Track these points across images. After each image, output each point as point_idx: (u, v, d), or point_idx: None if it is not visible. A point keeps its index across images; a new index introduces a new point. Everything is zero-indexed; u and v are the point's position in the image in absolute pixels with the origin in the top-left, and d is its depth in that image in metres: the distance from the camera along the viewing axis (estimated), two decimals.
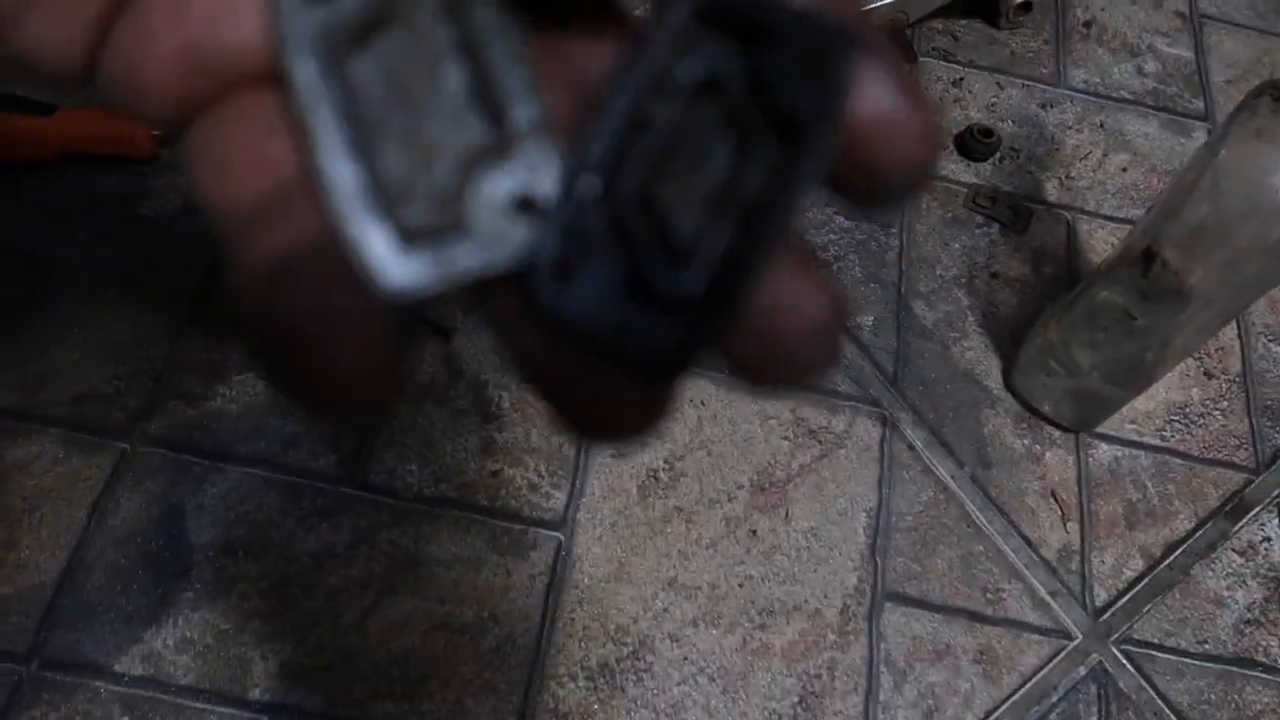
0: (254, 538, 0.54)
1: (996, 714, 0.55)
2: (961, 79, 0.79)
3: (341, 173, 0.16)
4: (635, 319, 0.16)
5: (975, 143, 0.75)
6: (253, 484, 0.55)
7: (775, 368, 0.17)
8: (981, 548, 0.60)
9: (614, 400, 0.17)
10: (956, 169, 0.75)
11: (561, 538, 0.57)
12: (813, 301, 0.16)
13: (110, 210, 0.62)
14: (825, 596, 0.57)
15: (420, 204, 0.16)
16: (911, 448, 0.63)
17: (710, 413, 0.62)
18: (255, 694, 0.50)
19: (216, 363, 0.59)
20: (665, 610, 0.56)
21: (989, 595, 0.59)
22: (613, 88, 0.16)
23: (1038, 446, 0.64)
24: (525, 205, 0.17)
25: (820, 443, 0.62)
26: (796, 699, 0.54)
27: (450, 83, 0.17)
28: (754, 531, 0.59)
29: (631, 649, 0.54)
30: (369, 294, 0.16)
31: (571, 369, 0.17)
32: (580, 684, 0.53)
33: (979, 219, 0.73)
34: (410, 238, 0.16)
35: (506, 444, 0.59)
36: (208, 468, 0.55)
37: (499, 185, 0.17)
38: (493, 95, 0.17)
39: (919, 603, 0.58)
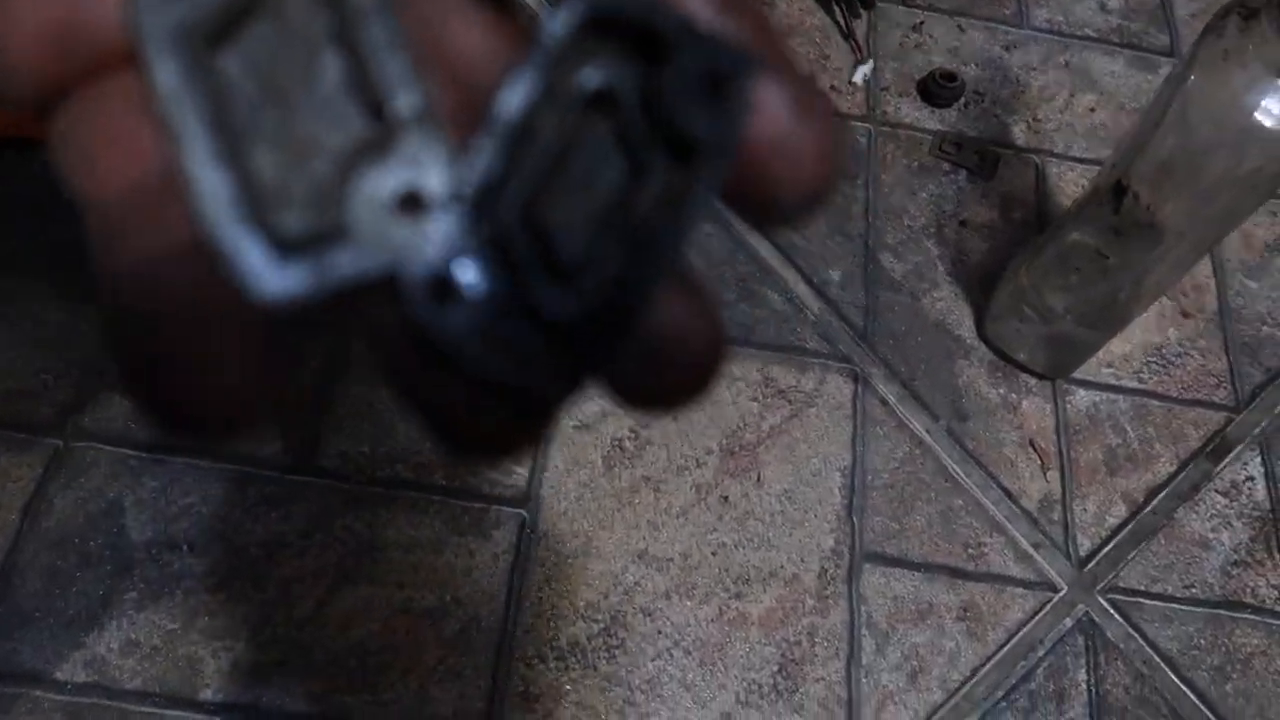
0: (198, 531, 0.51)
1: (983, 671, 0.54)
2: (921, 23, 0.77)
3: (212, 179, 0.15)
4: (514, 343, 0.15)
5: (938, 88, 0.72)
6: (195, 475, 0.53)
7: (650, 395, 0.16)
8: (961, 502, 0.58)
9: (488, 424, 0.16)
10: (920, 116, 0.72)
11: (525, 514, 0.54)
12: (696, 332, 0.16)
13: (32, 196, 0.59)
14: (802, 561, 0.55)
15: (297, 208, 0.15)
16: (884, 403, 0.61)
17: None
18: (207, 694, 0.48)
19: None
20: (636, 584, 0.53)
21: (970, 551, 0.57)
22: (500, 92, 0.16)
23: (1014, 395, 0.62)
24: (409, 202, 0.16)
25: (790, 402, 0.60)
26: (776, 668, 0.52)
27: (326, 75, 0.16)
28: (725, 497, 0.56)
29: (603, 625, 0.52)
30: (243, 302, 0.15)
31: (444, 387, 0.16)
32: (550, 664, 0.51)
33: (945, 166, 0.70)
34: (287, 245, 0.15)
35: None
36: (146, 460, 0.53)
37: (381, 182, 0.16)
38: (371, 85, 0.16)
39: (899, 562, 0.56)
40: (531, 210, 0.16)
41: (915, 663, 0.54)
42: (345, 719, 0.48)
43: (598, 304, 0.16)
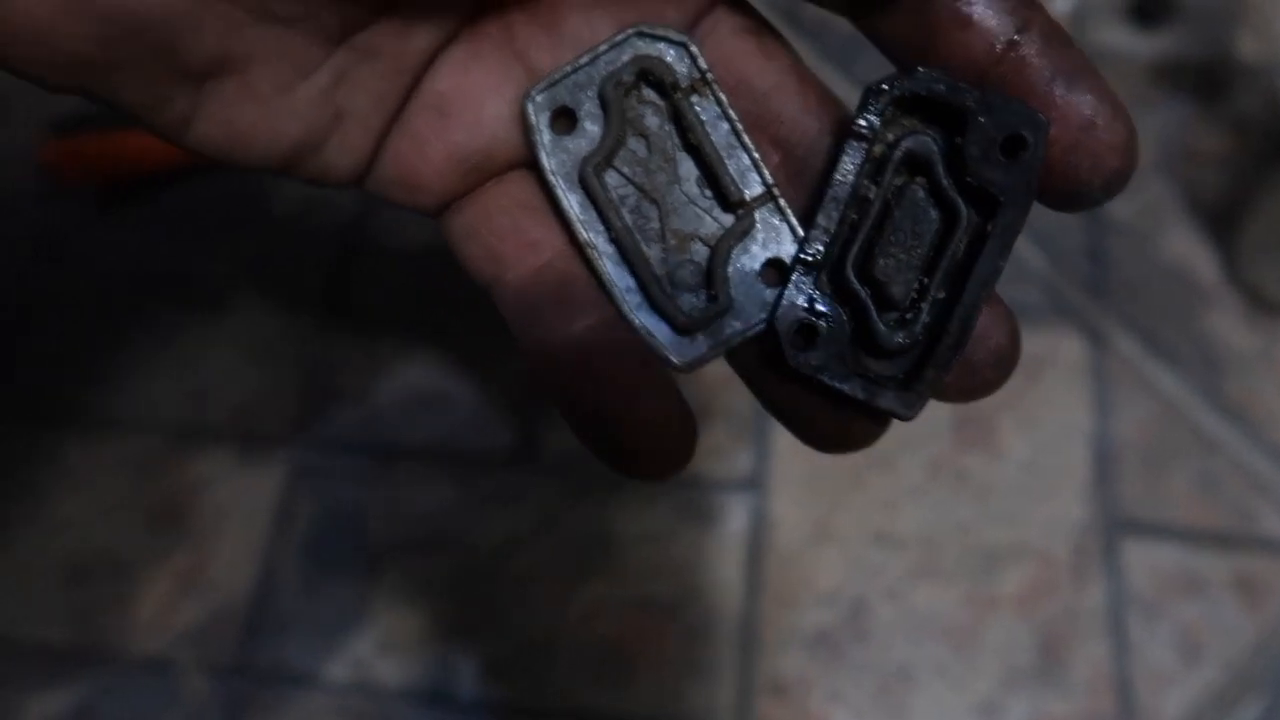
0: (435, 532, 0.52)
1: (1269, 646, 0.49)
2: None
3: (623, 280, 0.20)
4: (864, 370, 0.20)
5: (1150, 4, 0.66)
6: (428, 475, 0.53)
7: (962, 389, 0.20)
8: (1222, 463, 0.53)
9: (847, 429, 0.21)
10: (1131, 41, 0.66)
11: (755, 501, 0.53)
12: (997, 332, 0.20)
13: (238, 214, 0.61)
14: (1052, 535, 0.52)
15: (690, 291, 0.20)
16: (1125, 361, 0.56)
17: None
18: (464, 692, 0.49)
19: (369, 356, 0.56)
20: (878, 567, 0.51)
21: (1239, 515, 0.52)
22: (832, 168, 0.19)
23: (1275, 343, 0.56)
24: (772, 269, 0.20)
25: (1022, 367, 0.56)
26: (1036, 649, 0.49)
27: (689, 178, 0.20)
28: (962, 472, 0.53)
29: (847, 612, 0.50)
30: (662, 368, 0.20)
31: (809, 406, 0.20)
32: (798, 654, 0.49)
33: (1166, 93, 0.64)
34: (688, 323, 0.20)
35: None
36: (379, 465, 0.54)
37: (749, 259, 0.20)
38: (720, 181, 0.20)
39: (1159, 531, 0.52)
40: (866, 262, 0.20)
41: (1189, 639, 0.50)
42: (597, 716, 0.48)
43: (927, 333, 0.19)
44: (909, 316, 0.20)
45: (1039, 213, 0.61)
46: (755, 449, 0.54)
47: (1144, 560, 0.51)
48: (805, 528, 0.52)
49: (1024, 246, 0.59)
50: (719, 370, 0.55)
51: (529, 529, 0.52)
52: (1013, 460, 0.54)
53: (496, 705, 0.48)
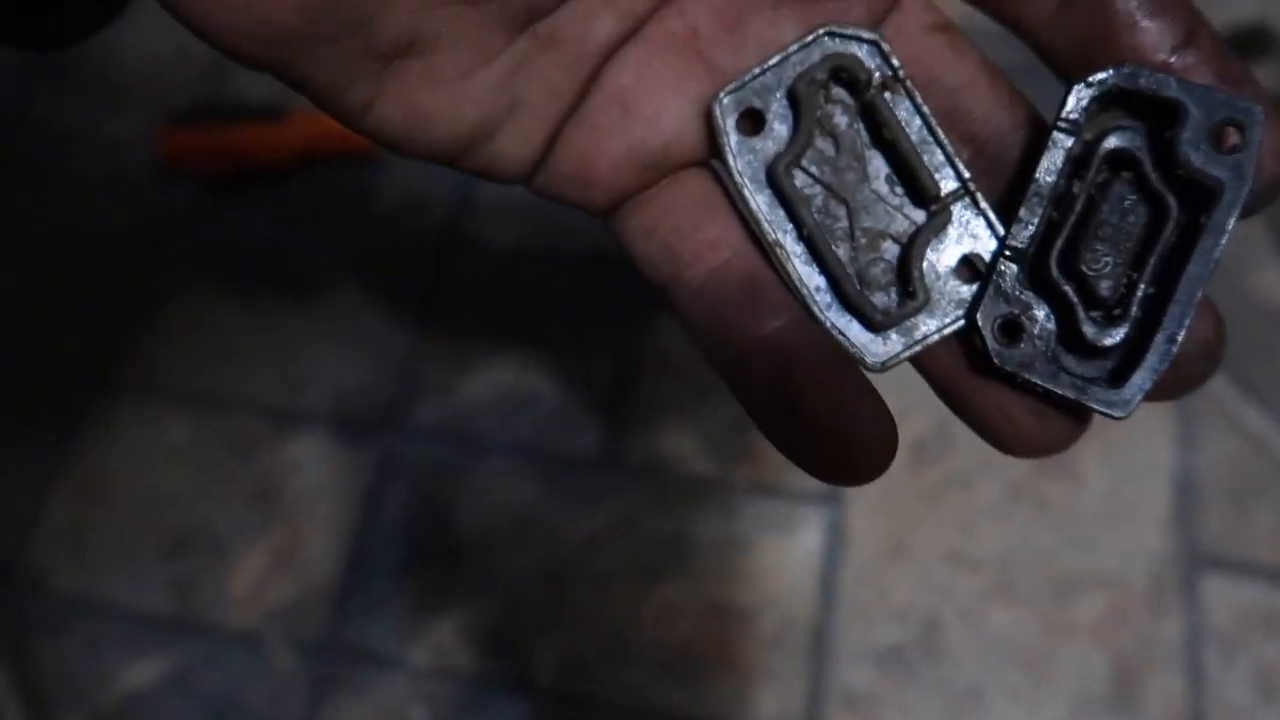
0: (519, 526, 0.54)
1: None
2: None
3: (813, 279, 0.20)
4: (1072, 368, 0.19)
5: (1248, 39, 0.65)
6: (513, 471, 0.55)
7: (1169, 384, 0.19)
8: None
9: (1050, 429, 0.20)
10: None
11: (832, 514, 0.53)
12: (1204, 326, 0.20)
13: (342, 210, 0.63)
14: (1131, 565, 0.52)
15: (881, 290, 0.20)
16: (1210, 395, 0.56)
17: None
18: (540, 681, 0.50)
19: (460, 352, 0.58)
20: (952, 586, 0.52)
21: None
22: (1032, 163, 0.19)
23: None
24: (968, 266, 0.20)
25: None
26: (1110, 679, 0.49)
27: (878, 175, 0.20)
28: (1041, 497, 0.54)
29: (920, 629, 0.51)
30: (858, 369, 0.20)
31: (1008, 406, 0.20)
32: (869, 668, 0.50)
33: None
34: (881, 321, 0.19)
35: None
36: (467, 457, 0.55)
37: (945, 256, 0.20)
38: (916, 177, 0.20)
39: (1241, 568, 0.52)
40: (1070, 258, 0.19)
41: (1267, 678, 0.49)
42: (667, 715, 0.49)
43: (1138, 331, 0.19)
44: (1117, 313, 0.19)
45: None
46: None
47: (1224, 596, 0.51)
48: (882, 543, 0.53)
49: None
50: None
51: (610, 529, 0.53)
52: (1093, 488, 0.54)
53: (570, 697, 0.50)
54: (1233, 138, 0.18)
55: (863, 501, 0.54)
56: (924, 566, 0.52)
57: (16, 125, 0.66)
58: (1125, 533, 0.53)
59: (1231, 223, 0.19)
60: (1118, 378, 0.19)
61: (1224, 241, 0.19)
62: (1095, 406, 0.19)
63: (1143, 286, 0.19)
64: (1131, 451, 0.55)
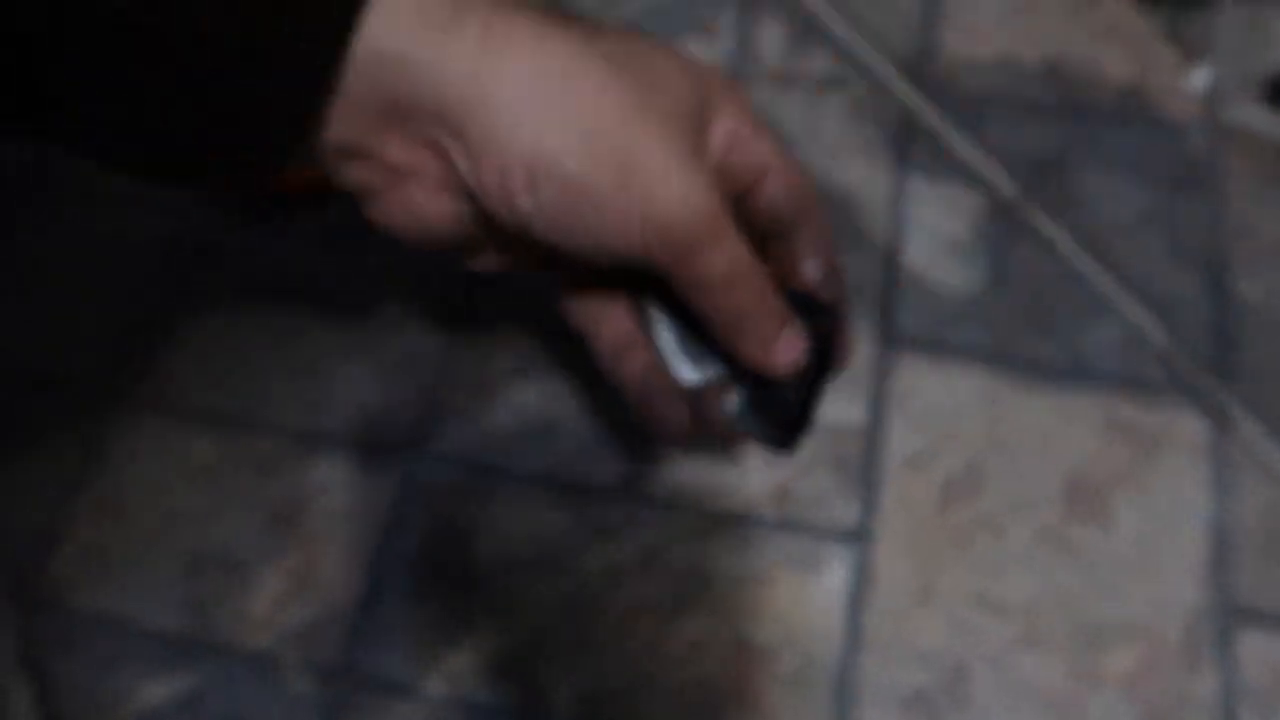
0: (540, 556, 0.53)
1: None
2: (1263, 20, 0.69)
3: (666, 342, 0.40)
4: (771, 429, 0.40)
5: None
6: (536, 499, 0.54)
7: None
8: None
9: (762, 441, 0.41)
10: (1268, 122, 0.65)
11: (858, 552, 0.53)
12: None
13: (373, 236, 0.63)
14: (1164, 616, 0.51)
15: (692, 359, 0.40)
16: (1247, 445, 0.55)
17: (1007, 412, 0.56)
18: (558, 716, 0.49)
19: (486, 378, 0.58)
20: (980, 631, 0.51)
21: None
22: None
23: None
24: (723, 386, 0.40)
25: (1137, 441, 0.55)
26: None
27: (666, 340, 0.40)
28: (1072, 544, 0.53)
29: (946, 675, 0.50)
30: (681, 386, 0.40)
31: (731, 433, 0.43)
32: (893, 712, 0.49)
33: None
34: (696, 368, 0.40)
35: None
36: (490, 484, 0.55)
37: (712, 374, 0.40)
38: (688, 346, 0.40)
39: (1278, 623, 0.50)
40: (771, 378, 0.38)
41: None
42: None
43: (800, 411, 0.39)
44: (794, 406, 0.40)
45: (1164, 287, 0.63)
46: (862, 501, 0.54)
47: (1260, 652, 0.50)
48: (908, 585, 0.52)
49: (1146, 320, 0.59)
50: (836, 419, 0.55)
51: (632, 561, 0.53)
52: (1125, 536, 0.53)
53: None
54: (836, 326, 0.41)
55: (890, 541, 0.53)
56: (951, 610, 0.51)
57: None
58: (1158, 582, 0.51)
59: (836, 362, 0.42)
60: (796, 429, 0.41)
61: (835, 368, 0.42)
62: (782, 441, 0.41)
63: (801, 393, 0.40)
64: (1165, 499, 0.54)
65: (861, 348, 0.58)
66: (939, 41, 0.70)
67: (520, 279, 0.59)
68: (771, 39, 0.71)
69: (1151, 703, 0.49)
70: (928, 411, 0.56)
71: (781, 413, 0.39)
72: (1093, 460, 0.55)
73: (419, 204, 0.34)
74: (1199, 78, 0.66)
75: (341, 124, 0.30)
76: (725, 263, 0.32)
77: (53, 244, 0.63)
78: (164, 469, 0.56)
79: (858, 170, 0.65)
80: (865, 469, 0.55)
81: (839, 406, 0.56)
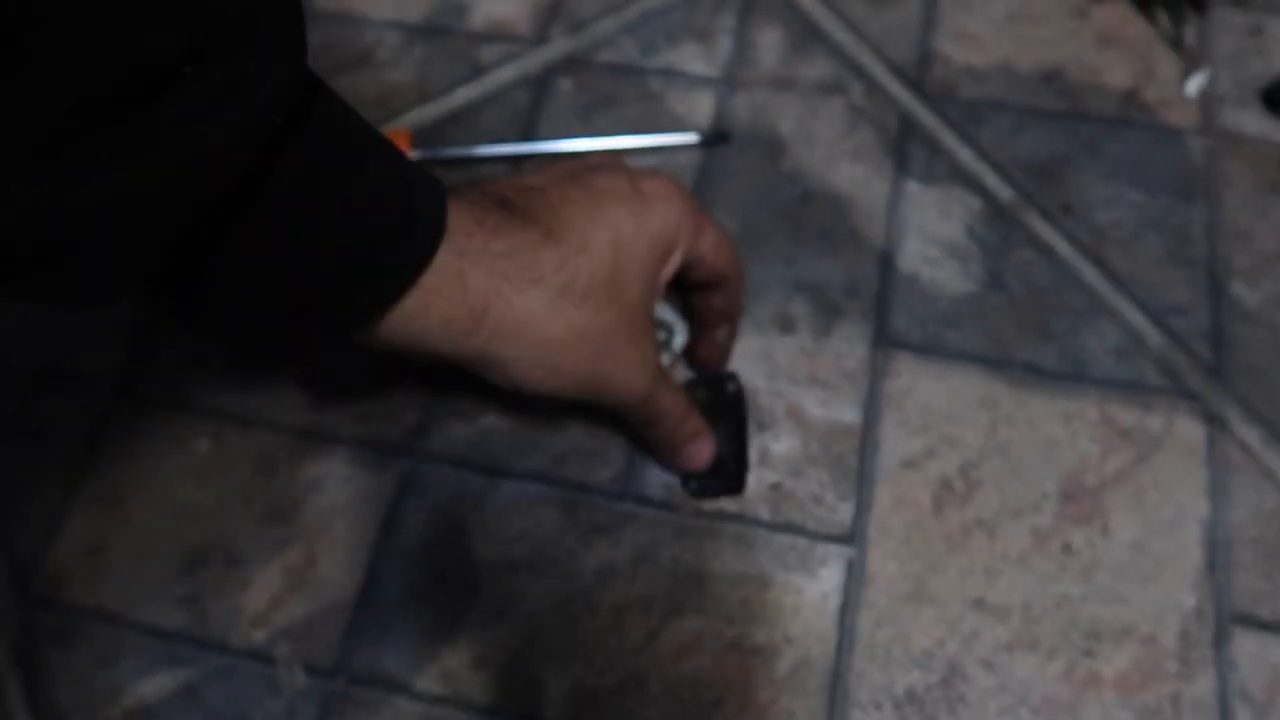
0: (535, 555, 0.53)
1: None
2: (1260, 27, 0.70)
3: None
4: (723, 485, 0.54)
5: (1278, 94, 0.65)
6: (530, 499, 0.54)
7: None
8: None
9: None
10: (1266, 128, 0.65)
11: (852, 553, 0.53)
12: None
13: None
14: (1159, 619, 0.50)
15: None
16: (1245, 448, 0.55)
17: (1004, 414, 0.56)
18: (551, 715, 0.49)
19: (482, 380, 0.58)
20: (974, 633, 0.50)
21: None
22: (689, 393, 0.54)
23: None
24: None
25: (1134, 445, 0.55)
26: None
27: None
28: (1067, 545, 0.52)
29: (940, 676, 0.50)
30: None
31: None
32: (887, 713, 0.49)
33: None
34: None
35: (784, 455, 0.55)
36: (486, 484, 0.55)
37: None
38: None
39: (1275, 628, 0.50)
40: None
41: None
42: None
43: (738, 465, 0.55)
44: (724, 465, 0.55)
45: (1160, 292, 0.63)
46: (856, 502, 0.54)
47: (1256, 655, 0.49)
48: (902, 586, 0.52)
49: (1142, 324, 0.59)
50: (831, 420, 0.55)
51: (627, 560, 0.53)
52: (1120, 539, 0.53)
53: None
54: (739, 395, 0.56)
55: (884, 542, 0.53)
56: (946, 611, 0.51)
57: None
58: (1154, 586, 0.51)
59: (743, 424, 0.56)
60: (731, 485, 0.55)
61: (744, 433, 0.55)
62: (723, 489, 0.55)
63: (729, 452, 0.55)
64: (1161, 502, 0.53)
65: (857, 349, 0.59)
66: (938, 48, 0.70)
67: None
68: (770, 43, 0.71)
69: (1147, 706, 0.49)
70: (923, 413, 0.56)
71: (725, 474, 0.54)
72: (1089, 463, 0.55)
73: None
74: (1196, 84, 0.67)
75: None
76: (657, 411, 0.50)
77: None
78: (165, 464, 0.56)
79: (855, 173, 0.65)
80: (860, 470, 0.55)
81: (834, 407, 0.57)
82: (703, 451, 0.53)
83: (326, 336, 0.39)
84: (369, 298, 0.38)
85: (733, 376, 0.56)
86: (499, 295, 0.41)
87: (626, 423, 0.53)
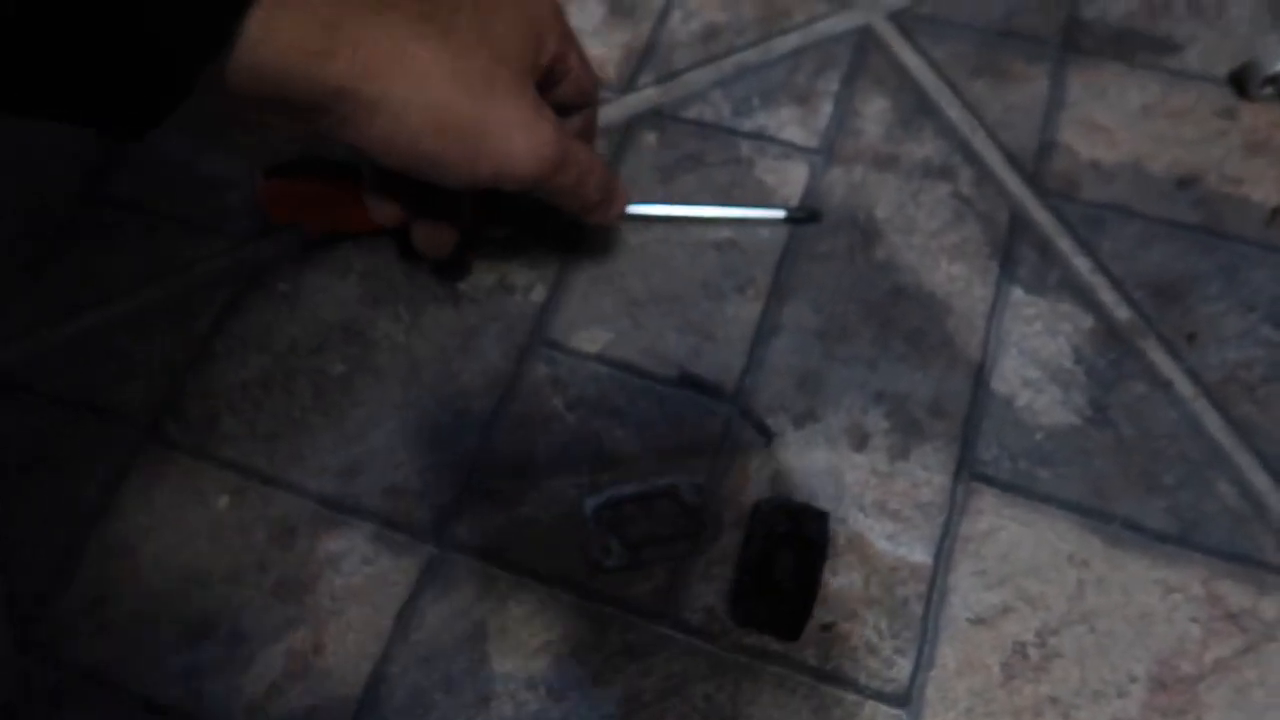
0: (557, 674, 0.49)
1: None
2: None
3: None
4: (761, 614, 0.48)
5: None
6: (558, 608, 0.50)
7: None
8: None
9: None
10: None
11: (905, 717, 0.47)
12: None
13: (429, 284, 0.60)
14: None
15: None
16: None
17: (1095, 576, 0.50)
18: None
19: (525, 461, 0.54)
20: None
21: None
22: (749, 534, 0.50)
23: None
24: None
25: (1244, 630, 0.48)
26: None
27: None
28: None
29: None
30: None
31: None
32: None
33: None
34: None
35: (840, 591, 0.50)
36: (513, 583, 0.51)
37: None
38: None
39: None
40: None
41: None
42: None
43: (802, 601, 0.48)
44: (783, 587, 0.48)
45: None
46: (916, 657, 0.48)
47: None
48: None
49: (1267, 487, 0.52)
50: (898, 557, 0.49)
51: (655, 692, 0.48)
52: None
53: None
54: (821, 529, 0.49)
55: (943, 710, 0.47)
56: None
57: (119, 161, 0.65)
58: None
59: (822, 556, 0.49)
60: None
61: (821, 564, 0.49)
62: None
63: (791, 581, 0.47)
64: (1269, 706, 0.47)
65: (936, 478, 0.53)
66: (1061, 138, 0.64)
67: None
68: (876, 114, 0.65)
69: None
70: (1003, 563, 0.50)
71: (779, 611, 0.48)
72: (1188, 647, 0.48)
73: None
74: None
75: (229, 103, 0.36)
76: (574, 175, 0.44)
77: (112, 265, 0.61)
78: (181, 519, 0.53)
79: (954, 272, 0.59)
80: (925, 620, 0.49)
81: (903, 542, 0.51)
82: (621, 198, 0.51)
83: (174, 86, 0.34)
84: (209, 22, 0.33)
85: (821, 514, 0.49)
86: (351, 10, 0.36)
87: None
